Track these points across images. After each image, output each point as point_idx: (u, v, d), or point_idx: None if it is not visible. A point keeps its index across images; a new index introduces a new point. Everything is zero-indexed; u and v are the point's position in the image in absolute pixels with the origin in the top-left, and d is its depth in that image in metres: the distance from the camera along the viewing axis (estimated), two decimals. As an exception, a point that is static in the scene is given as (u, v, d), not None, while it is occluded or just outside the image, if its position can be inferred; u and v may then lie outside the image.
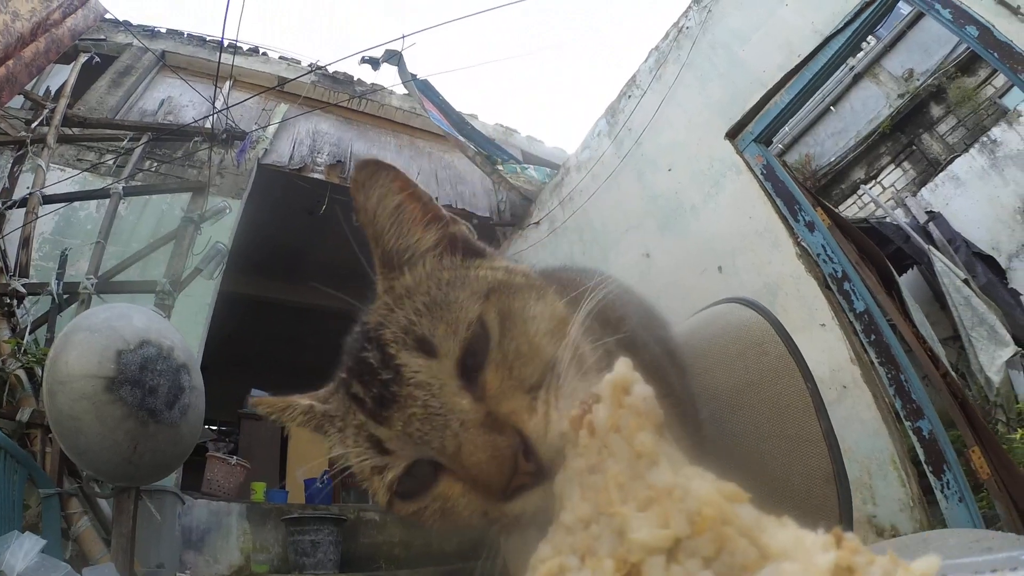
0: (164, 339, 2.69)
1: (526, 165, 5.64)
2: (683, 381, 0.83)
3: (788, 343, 0.99)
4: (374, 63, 4.37)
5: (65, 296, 3.24)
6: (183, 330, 2.93)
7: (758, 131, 3.28)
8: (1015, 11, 2.52)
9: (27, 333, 3.11)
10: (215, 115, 3.75)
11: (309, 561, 3.41)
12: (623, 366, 0.34)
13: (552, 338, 0.53)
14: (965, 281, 4.79)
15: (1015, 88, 5.65)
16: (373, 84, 6.36)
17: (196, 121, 4.29)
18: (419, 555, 3.78)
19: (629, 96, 4.34)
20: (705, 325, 1.24)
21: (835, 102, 7.89)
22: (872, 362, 2.79)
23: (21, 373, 2.92)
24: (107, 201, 3.70)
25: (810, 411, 0.95)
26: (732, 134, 3.42)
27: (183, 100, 5.28)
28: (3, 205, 3.63)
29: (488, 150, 5.28)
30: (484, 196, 6.25)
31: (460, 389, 0.50)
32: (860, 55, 7.45)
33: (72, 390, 2.35)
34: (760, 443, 1.01)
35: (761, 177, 3.14)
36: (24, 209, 3.59)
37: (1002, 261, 5.39)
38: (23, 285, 3.26)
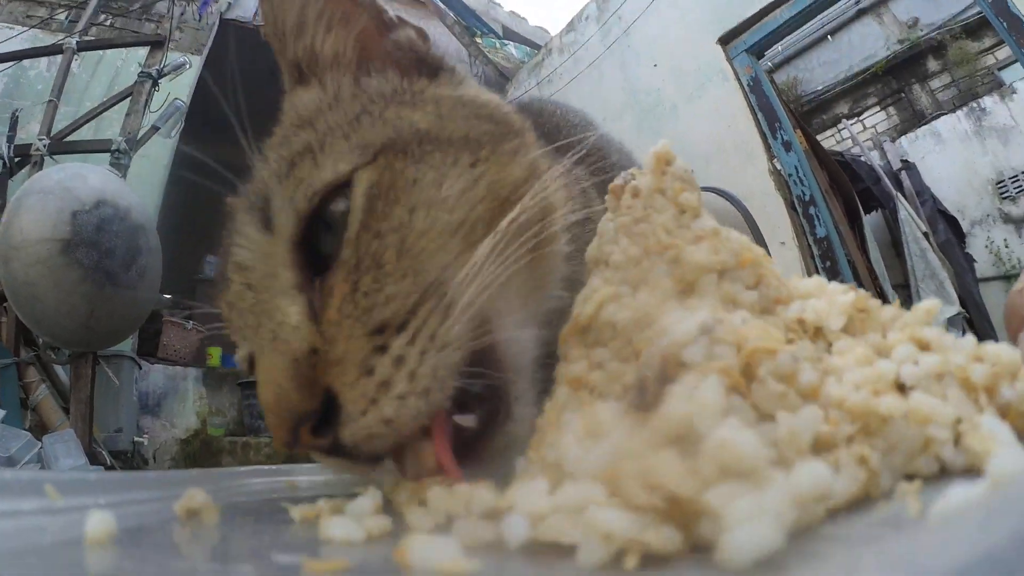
0: (121, 199, 2.61)
1: (506, 41, 5.43)
2: None
3: (756, 235, 1.04)
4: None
5: (16, 159, 3.10)
6: (140, 192, 2.84)
7: (752, 42, 3.19)
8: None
9: (-24, 200, 2.95)
10: (177, -37, 3.44)
11: (264, 424, 3.48)
12: (663, 142, 0.35)
13: (464, 237, 0.36)
14: (925, 234, 4.89)
15: (1016, 64, 5.56)
16: (350, -66, 5.88)
17: (156, -31, 3.93)
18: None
19: (624, -18, 4.14)
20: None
21: (833, 32, 7.68)
22: (823, 287, 2.90)
23: (-29, 242, 2.79)
24: (59, 58, 3.44)
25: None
26: (725, 40, 3.32)
27: (143, -51, 4.80)
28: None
29: (467, 20, 5.06)
30: (459, 69, 6.02)
31: (292, 288, 0.36)
32: (869, -10, 7.21)
33: (27, 255, 2.30)
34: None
35: (747, 88, 3.10)
36: (-30, 70, 3.30)
37: (964, 226, 5.49)
38: (-30, 149, 3.07)
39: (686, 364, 0.25)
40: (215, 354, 4.25)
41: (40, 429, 2.54)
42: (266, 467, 0.47)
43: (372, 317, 0.33)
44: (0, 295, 2.58)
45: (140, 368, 3.44)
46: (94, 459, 2.51)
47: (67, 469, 2.16)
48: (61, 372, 2.83)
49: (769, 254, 1.02)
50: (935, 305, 0.30)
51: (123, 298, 2.56)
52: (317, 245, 0.37)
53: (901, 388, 0.26)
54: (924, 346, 0.28)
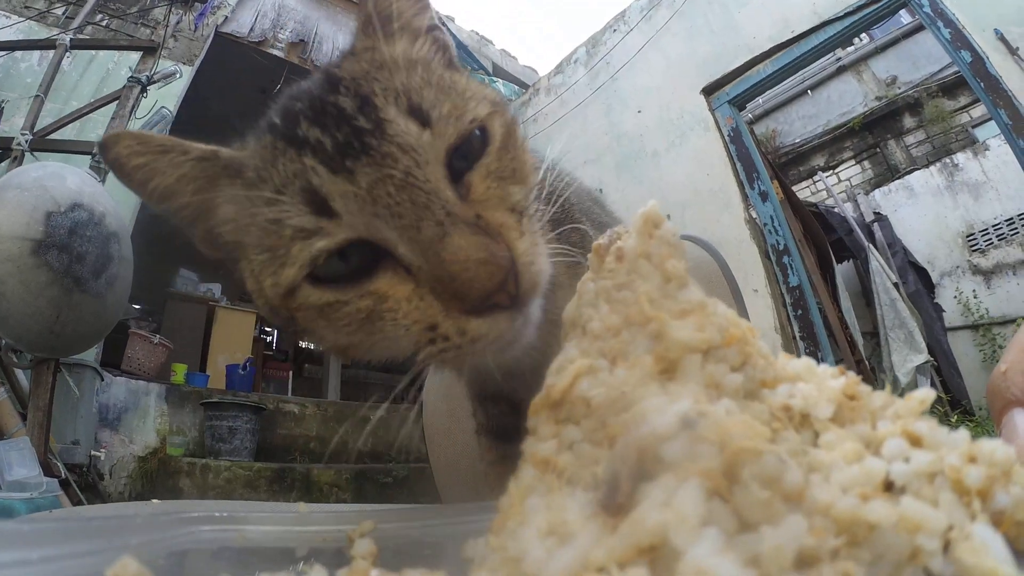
0: (97, 204, 2.56)
1: (495, 79, 5.56)
2: None
3: (732, 285, 1.03)
4: (357, -54, 4.06)
5: (-3, 151, 3.02)
6: (117, 199, 2.78)
7: (735, 94, 3.31)
8: (1012, 50, 2.59)
9: (-50, 188, 2.86)
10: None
11: (225, 447, 3.40)
12: (653, 204, 0.34)
13: (531, 174, 0.52)
14: (895, 285, 5.01)
15: (991, 122, 5.80)
16: (349, -36, 5.96)
17: (157, -24, 3.95)
18: (334, 452, 3.81)
19: (614, 30, 4.27)
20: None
21: (813, 87, 8.00)
22: (794, 335, 2.96)
23: (-59, 230, 2.70)
24: (50, 53, 3.40)
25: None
26: (708, 91, 3.44)
27: (145, -45, 4.82)
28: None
29: (459, 55, 5.18)
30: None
31: (445, 178, 0.45)
32: (850, 49, 7.53)
33: (-2, 251, 2.24)
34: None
35: (728, 138, 3.20)
36: (-38, 56, 3.25)
37: (934, 277, 5.60)
38: (-48, 136, 3.00)
39: (664, 461, 0.23)
40: (180, 371, 4.14)
41: (-6, 433, 2.46)
42: (217, 511, 0.46)
43: (508, 201, 0.47)
44: (-34, 290, 2.50)
45: (102, 379, 3.33)
46: (48, 470, 2.40)
47: (20, 478, 2.07)
48: (22, 376, 2.72)
49: (744, 307, 1.01)
50: (929, 395, 0.28)
51: (90, 306, 2.50)
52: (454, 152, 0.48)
53: (889, 486, 0.25)
54: (916, 441, 0.26)
